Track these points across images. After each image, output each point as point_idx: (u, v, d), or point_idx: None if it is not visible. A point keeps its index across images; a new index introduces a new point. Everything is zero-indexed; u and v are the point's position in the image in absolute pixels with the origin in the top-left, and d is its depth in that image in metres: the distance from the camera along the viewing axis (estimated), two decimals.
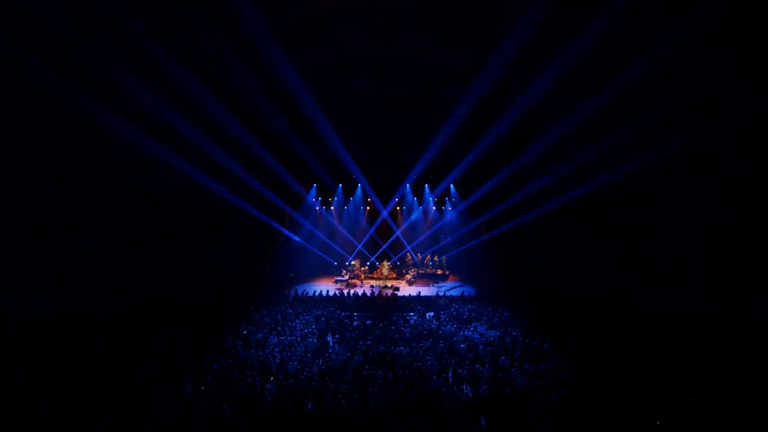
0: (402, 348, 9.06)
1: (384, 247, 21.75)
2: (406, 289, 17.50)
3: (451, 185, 20.46)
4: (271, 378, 7.53)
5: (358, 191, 22.34)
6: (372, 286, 17.88)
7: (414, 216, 22.67)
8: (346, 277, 19.39)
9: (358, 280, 19.49)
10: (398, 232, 21.91)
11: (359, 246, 21.84)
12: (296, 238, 19.12)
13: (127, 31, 8.50)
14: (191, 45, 9.92)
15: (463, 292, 16.22)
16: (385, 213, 20.24)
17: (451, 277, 20.38)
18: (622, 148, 11.20)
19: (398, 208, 23.47)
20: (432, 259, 20.73)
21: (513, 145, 14.79)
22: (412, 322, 11.85)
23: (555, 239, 16.03)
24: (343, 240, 22.11)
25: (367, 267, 21.07)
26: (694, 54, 8.31)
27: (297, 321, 11.56)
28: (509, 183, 15.71)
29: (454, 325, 11.32)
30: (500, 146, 14.52)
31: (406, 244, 22.04)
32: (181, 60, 9.58)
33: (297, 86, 12.51)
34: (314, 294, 15.61)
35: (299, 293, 15.79)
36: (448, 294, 16.10)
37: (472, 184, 17.40)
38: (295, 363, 8.18)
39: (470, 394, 7.18)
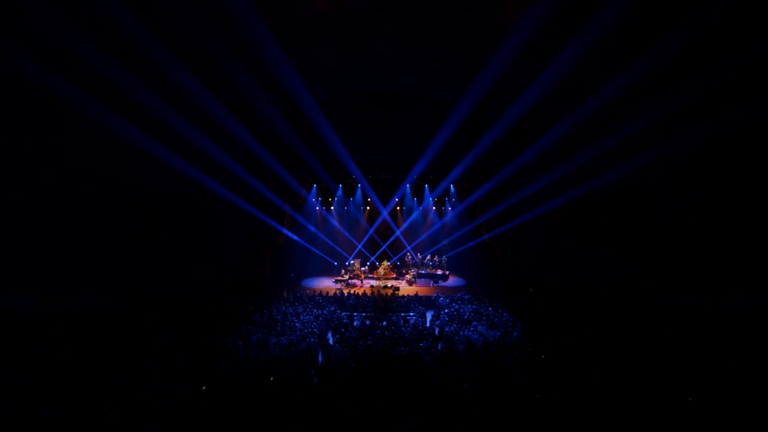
0: (402, 348, 9.06)
1: (384, 246, 21.77)
2: (406, 289, 17.50)
3: (451, 186, 20.49)
4: (271, 378, 7.53)
5: (358, 191, 22.36)
6: (372, 286, 17.88)
7: (414, 216, 22.69)
8: (346, 277, 19.39)
9: (358, 280, 19.49)
10: (398, 232, 21.92)
11: (359, 246, 21.86)
12: (296, 238, 19.13)
13: (126, 28, 8.50)
14: (190, 43, 9.92)
15: (461, 292, 16.21)
16: (385, 213, 20.25)
17: (451, 276, 20.39)
18: (623, 147, 11.21)
19: (398, 208, 23.50)
20: (432, 259, 20.73)
21: (512, 144, 14.79)
22: (412, 322, 11.85)
23: (555, 239, 16.04)
24: (343, 240, 22.13)
25: (367, 267, 21.08)
26: (698, 51, 8.30)
27: (297, 321, 11.56)
28: (509, 181, 15.71)
29: (454, 325, 11.32)
30: (499, 145, 14.53)
31: (406, 244, 22.05)
32: (180, 58, 9.57)
33: (296, 86, 12.51)
34: (314, 294, 15.61)
35: (299, 293, 15.79)
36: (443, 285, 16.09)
37: (472, 183, 17.41)
38: (295, 363, 8.18)
39: (470, 394, 7.17)
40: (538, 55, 10.24)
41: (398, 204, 23.26)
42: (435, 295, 15.69)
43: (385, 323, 11.34)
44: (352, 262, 20.46)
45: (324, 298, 14.85)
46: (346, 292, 16.24)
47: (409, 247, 21.98)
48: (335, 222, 22.45)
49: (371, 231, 22.00)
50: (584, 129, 12.00)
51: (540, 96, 11.36)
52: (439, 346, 9.44)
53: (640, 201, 12.40)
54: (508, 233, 17.10)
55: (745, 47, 7.65)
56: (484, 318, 11.98)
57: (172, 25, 9.14)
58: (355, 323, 11.87)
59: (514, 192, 15.66)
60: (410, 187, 22.07)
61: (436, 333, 10.85)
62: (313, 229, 20.43)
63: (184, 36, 9.64)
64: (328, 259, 21.51)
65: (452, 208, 21.69)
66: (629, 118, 10.64)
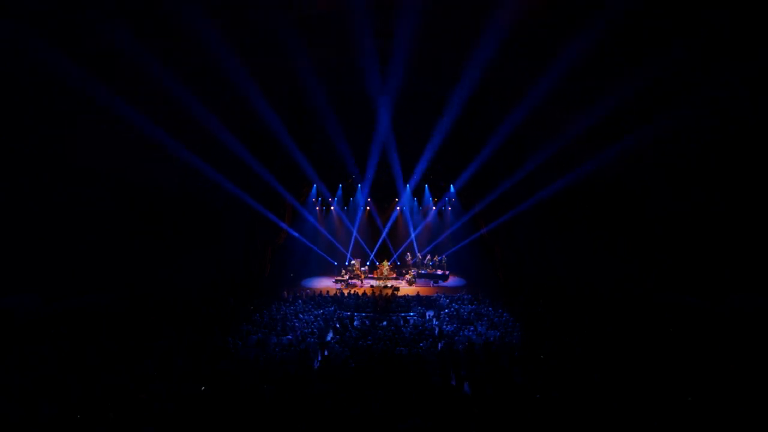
0: (402, 348, 9.06)
1: (380, 241, 21.77)
2: (406, 289, 17.50)
3: (451, 186, 20.51)
4: (271, 378, 7.53)
5: (358, 191, 22.38)
6: (372, 286, 17.88)
7: (414, 216, 22.73)
8: (346, 277, 19.39)
9: (358, 280, 19.48)
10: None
11: (352, 239, 21.87)
12: (296, 235, 19.15)
13: (127, 26, 8.48)
14: (191, 42, 9.90)
15: (461, 292, 16.21)
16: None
17: (451, 276, 20.40)
18: (624, 145, 11.21)
19: (398, 208, 23.54)
20: (432, 259, 20.73)
21: (511, 140, 14.74)
22: (412, 322, 11.85)
23: (555, 239, 16.03)
24: (343, 240, 22.17)
25: (367, 267, 21.08)
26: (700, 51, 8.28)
27: (297, 321, 11.56)
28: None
29: (454, 325, 11.31)
30: (498, 142, 14.53)
31: (408, 243, 22.09)
32: (181, 57, 9.56)
33: (297, 85, 12.50)
34: (314, 294, 15.61)
35: (299, 293, 15.79)
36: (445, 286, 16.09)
37: (471, 180, 17.46)
38: (295, 363, 8.19)
39: (470, 394, 7.17)
40: (535, 47, 10.19)
41: (398, 204, 23.33)
42: (435, 295, 15.68)
43: (385, 323, 11.34)
44: (352, 262, 20.46)
45: (324, 298, 14.85)
46: (346, 292, 16.23)
47: (412, 238, 22.00)
48: (335, 222, 22.49)
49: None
50: (584, 124, 11.99)
51: (539, 88, 11.34)
52: (439, 346, 9.44)
53: (641, 201, 12.41)
54: (507, 233, 17.10)
55: (745, 51, 7.65)
56: (485, 318, 11.97)
57: (172, 24, 9.14)
58: (355, 323, 11.87)
59: (512, 188, 15.61)
60: (410, 187, 22.14)
61: (436, 333, 10.86)
62: (313, 221, 20.45)
63: (184, 35, 9.63)
64: (329, 258, 21.53)
65: (452, 208, 21.76)
66: (627, 115, 10.62)
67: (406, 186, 22.15)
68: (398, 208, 23.40)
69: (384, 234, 21.63)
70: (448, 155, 16.70)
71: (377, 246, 21.88)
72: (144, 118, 10.42)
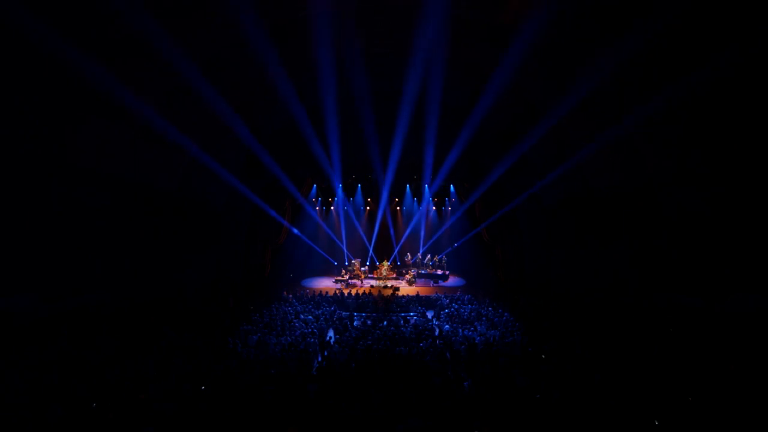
0: (402, 348, 9.06)
1: (375, 240, 21.79)
2: (406, 289, 17.50)
3: (451, 186, 20.52)
4: (271, 378, 7.52)
5: (358, 191, 22.41)
6: (372, 286, 17.88)
7: (414, 216, 22.75)
8: (346, 277, 19.40)
9: (358, 280, 19.49)
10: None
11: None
12: (297, 232, 19.14)
13: (129, 25, 8.45)
14: (192, 40, 9.89)
15: (461, 292, 16.21)
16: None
17: (451, 276, 20.40)
18: (623, 145, 11.20)
19: (398, 208, 23.55)
20: (432, 259, 20.73)
21: (511, 140, 14.71)
22: (412, 322, 11.85)
23: (555, 238, 16.03)
24: (343, 240, 22.19)
25: (367, 267, 21.08)
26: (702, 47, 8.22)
27: (297, 321, 11.55)
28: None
29: (454, 325, 11.32)
30: (498, 140, 14.49)
31: (408, 239, 22.10)
32: (181, 56, 9.54)
33: (298, 85, 12.48)
34: (314, 294, 15.61)
35: (299, 293, 15.79)
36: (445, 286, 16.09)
37: (470, 178, 17.44)
38: (295, 363, 8.18)
39: (470, 394, 7.17)
40: (539, 45, 10.15)
41: (398, 204, 23.35)
42: (435, 295, 15.69)
43: (385, 323, 11.34)
44: (352, 261, 20.47)
45: (324, 298, 14.85)
46: (346, 292, 16.23)
47: (414, 236, 22.02)
48: (335, 222, 22.51)
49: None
50: (583, 125, 11.97)
51: (540, 89, 11.29)
52: (438, 344, 9.44)
53: (641, 200, 12.40)
54: (507, 233, 17.09)
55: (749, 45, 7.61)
56: (484, 318, 11.97)
57: (172, 23, 9.12)
58: (355, 323, 11.87)
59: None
60: (410, 187, 22.17)
61: (436, 332, 10.86)
62: (315, 216, 20.45)
63: (185, 34, 9.62)
64: (329, 258, 21.54)
65: (451, 207, 21.79)
66: (629, 114, 10.60)
67: (406, 185, 22.20)
68: (398, 207, 23.42)
69: (376, 230, 21.62)
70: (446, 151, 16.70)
71: (373, 242, 21.87)
72: (145, 117, 10.41)
